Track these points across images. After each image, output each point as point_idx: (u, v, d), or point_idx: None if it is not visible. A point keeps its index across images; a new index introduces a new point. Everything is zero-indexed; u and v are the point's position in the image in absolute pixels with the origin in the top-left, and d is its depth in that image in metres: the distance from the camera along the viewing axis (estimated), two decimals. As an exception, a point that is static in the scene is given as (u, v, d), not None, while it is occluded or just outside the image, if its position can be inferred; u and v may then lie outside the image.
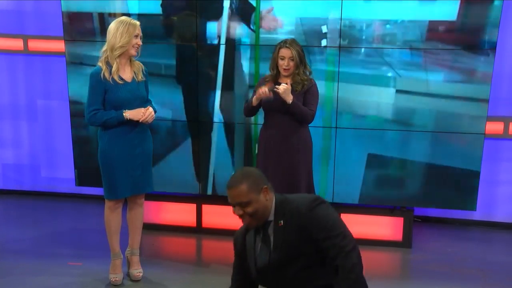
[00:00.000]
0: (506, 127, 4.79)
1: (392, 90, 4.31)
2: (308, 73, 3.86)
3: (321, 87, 4.13)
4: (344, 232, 2.50)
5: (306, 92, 3.79)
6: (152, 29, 4.43)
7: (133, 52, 3.64)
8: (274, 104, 3.75)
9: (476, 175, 4.34)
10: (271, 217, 2.55)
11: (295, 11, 4.32)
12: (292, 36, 4.11)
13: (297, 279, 2.58)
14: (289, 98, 3.67)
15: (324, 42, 4.31)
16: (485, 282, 4.00)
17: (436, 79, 4.25)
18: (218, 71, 4.51)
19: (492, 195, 4.91)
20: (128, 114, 3.62)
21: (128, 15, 4.34)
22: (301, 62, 3.78)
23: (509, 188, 4.92)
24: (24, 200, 5.63)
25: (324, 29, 4.28)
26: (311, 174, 3.94)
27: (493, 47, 4.12)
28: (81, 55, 4.66)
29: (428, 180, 4.41)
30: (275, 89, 3.67)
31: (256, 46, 4.41)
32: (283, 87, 3.66)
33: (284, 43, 3.77)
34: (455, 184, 4.39)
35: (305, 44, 4.17)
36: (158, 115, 3.93)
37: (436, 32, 4.18)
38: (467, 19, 4.12)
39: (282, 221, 2.52)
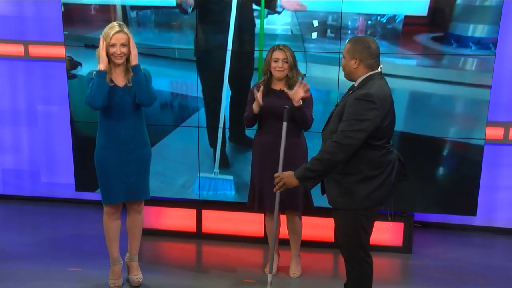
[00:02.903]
0: (506, 133, 4.79)
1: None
2: (300, 78, 3.87)
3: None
4: (354, 133, 2.86)
5: (303, 98, 3.79)
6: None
7: (116, 60, 3.56)
8: (272, 109, 3.76)
9: (476, 180, 4.34)
10: (356, 84, 3.03)
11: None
12: (288, 27, 4.23)
13: (326, 140, 3.03)
14: (298, 98, 3.68)
15: (314, 35, 4.35)
16: (486, 288, 4.00)
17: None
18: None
19: (492, 201, 4.90)
20: (100, 65, 3.50)
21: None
22: (294, 65, 3.81)
23: (509, 194, 4.91)
24: (24, 205, 5.62)
25: (315, 23, 4.33)
26: None
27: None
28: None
29: (428, 185, 4.41)
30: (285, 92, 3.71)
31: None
32: (295, 90, 3.70)
33: (278, 46, 3.84)
34: (455, 189, 4.39)
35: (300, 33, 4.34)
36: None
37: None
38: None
39: (351, 91, 3.01)
